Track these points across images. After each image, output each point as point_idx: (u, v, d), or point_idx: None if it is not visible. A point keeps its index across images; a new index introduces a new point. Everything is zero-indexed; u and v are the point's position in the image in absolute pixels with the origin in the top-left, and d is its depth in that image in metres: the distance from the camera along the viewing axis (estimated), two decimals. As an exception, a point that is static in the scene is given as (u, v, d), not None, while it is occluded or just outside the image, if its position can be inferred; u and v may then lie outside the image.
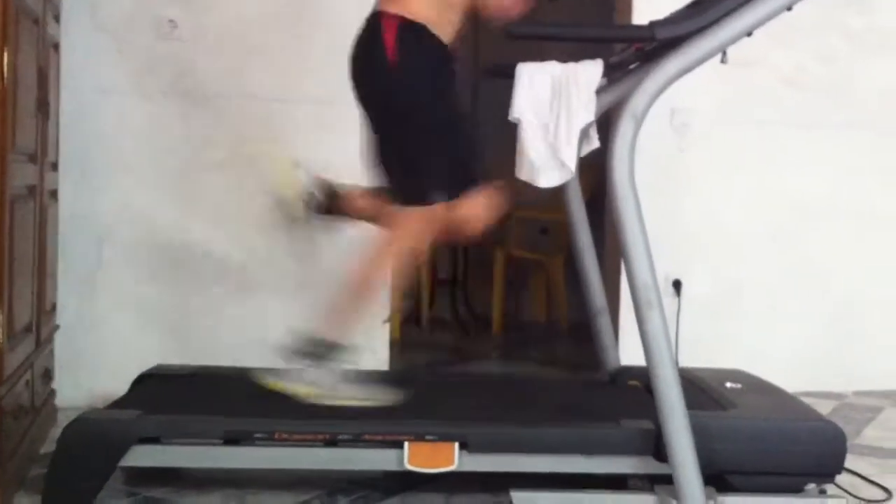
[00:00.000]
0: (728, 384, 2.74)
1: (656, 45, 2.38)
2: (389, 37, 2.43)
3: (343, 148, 3.41)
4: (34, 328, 2.73)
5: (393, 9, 2.46)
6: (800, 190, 3.82)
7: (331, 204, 2.64)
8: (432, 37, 2.46)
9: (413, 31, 2.44)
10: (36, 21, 2.70)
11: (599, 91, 2.62)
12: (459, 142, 2.55)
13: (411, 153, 2.51)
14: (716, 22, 2.29)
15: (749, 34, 2.33)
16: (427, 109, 2.49)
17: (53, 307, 3.10)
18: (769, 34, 2.35)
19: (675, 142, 3.76)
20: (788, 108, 3.81)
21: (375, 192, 2.62)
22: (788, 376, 3.06)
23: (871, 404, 3.65)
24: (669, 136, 3.75)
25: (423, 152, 2.50)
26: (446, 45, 2.50)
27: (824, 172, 3.84)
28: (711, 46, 2.31)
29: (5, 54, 2.32)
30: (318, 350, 2.44)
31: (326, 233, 2.69)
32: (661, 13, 2.48)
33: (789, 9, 2.33)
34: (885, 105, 3.87)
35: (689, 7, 2.47)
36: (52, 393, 3.10)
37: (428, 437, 2.35)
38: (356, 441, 2.38)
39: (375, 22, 2.48)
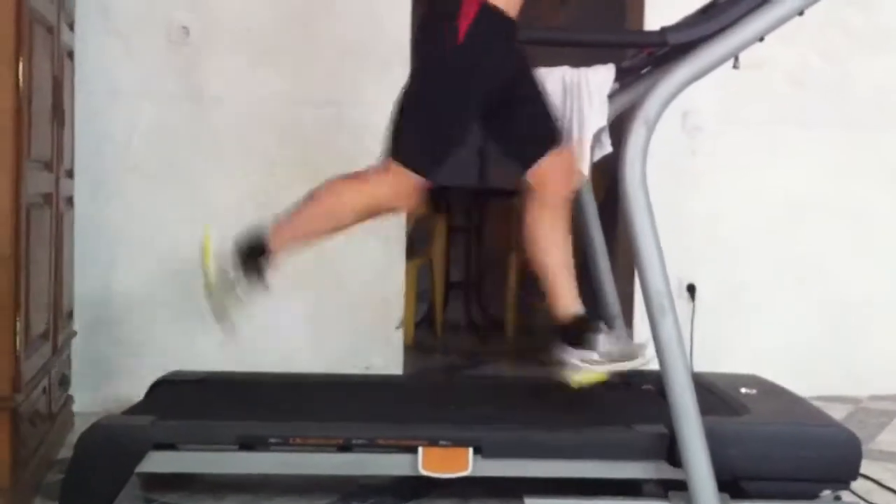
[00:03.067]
0: (742, 389, 2.73)
1: (669, 49, 2.38)
2: (467, 17, 2.34)
3: (353, 150, 3.43)
4: (51, 335, 2.74)
5: None
6: (811, 190, 3.81)
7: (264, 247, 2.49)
8: (506, 20, 2.39)
9: (491, 19, 2.36)
10: (50, 30, 2.72)
11: (611, 95, 2.63)
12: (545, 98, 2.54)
13: (513, 116, 2.49)
14: (728, 27, 2.29)
15: (761, 39, 2.33)
16: (510, 78, 2.46)
17: (70, 314, 3.12)
18: (776, 34, 2.34)
19: (687, 144, 3.75)
20: (798, 107, 3.80)
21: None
22: (802, 380, 3.06)
23: (886, 408, 3.63)
24: (682, 139, 3.74)
25: (523, 113, 2.50)
26: (514, 24, 2.42)
27: (837, 172, 3.82)
28: (724, 51, 2.31)
29: (21, 64, 2.33)
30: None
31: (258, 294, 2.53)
32: (672, 18, 2.47)
33: (801, 13, 2.33)
34: (890, 103, 3.84)
35: (700, 12, 2.47)
36: (69, 399, 3.12)
37: (442, 442, 2.35)
38: (370, 446, 2.38)
39: (445, 8, 2.40)
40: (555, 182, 2.49)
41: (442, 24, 2.39)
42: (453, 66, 2.38)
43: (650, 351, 2.38)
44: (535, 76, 2.54)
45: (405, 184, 2.43)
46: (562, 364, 2.48)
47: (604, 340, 2.48)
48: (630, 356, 2.47)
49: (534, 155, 2.48)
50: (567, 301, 2.51)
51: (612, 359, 2.46)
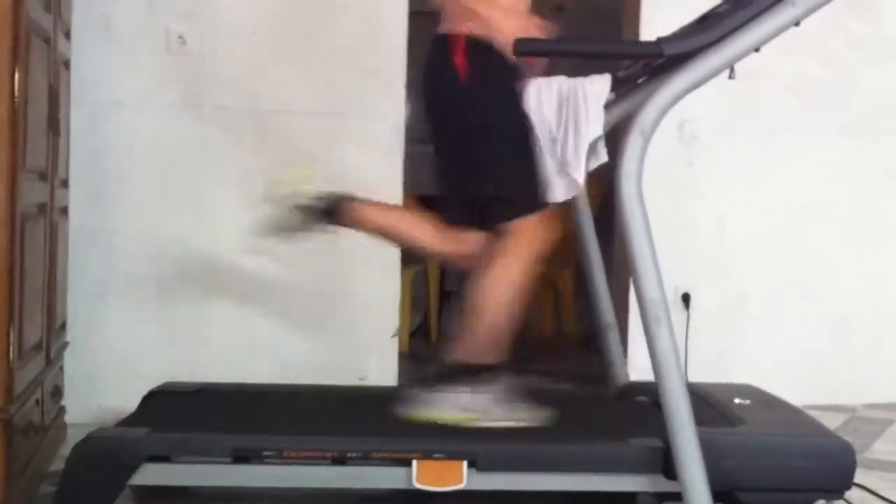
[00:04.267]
0: (737, 400, 2.72)
1: (664, 60, 2.38)
2: (459, 54, 2.46)
3: (352, 160, 3.43)
4: (44, 346, 2.73)
5: (458, 29, 2.50)
6: (808, 198, 3.82)
7: (336, 213, 2.62)
8: (500, 53, 2.48)
9: (481, 48, 2.47)
10: (47, 39, 2.72)
11: (607, 105, 2.63)
12: (533, 157, 2.57)
13: (492, 168, 2.55)
14: (724, 37, 2.29)
15: (757, 49, 2.33)
16: (505, 121, 2.53)
17: (63, 324, 3.11)
18: (774, 43, 2.35)
19: (683, 154, 3.76)
20: (795, 116, 3.81)
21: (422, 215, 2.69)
22: (797, 389, 3.06)
23: (880, 417, 3.64)
24: (678, 148, 3.75)
25: (504, 166, 2.55)
26: (513, 61, 2.50)
27: (832, 180, 3.83)
28: (720, 62, 2.31)
29: (17, 74, 2.33)
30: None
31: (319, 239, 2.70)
32: (668, 28, 2.48)
33: (797, 24, 2.33)
34: (890, 111, 3.86)
35: (696, 22, 2.47)
36: (62, 410, 3.11)
37: (436, 455, 2.34)
38: (364, 459, 2.37)
39: (443, 43, 2.51)
40: (530, 238, 2.55)
41: (443, 71, 2.50)
42: (474, 100, 2.49)
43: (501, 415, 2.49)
44: (527, 124, 2.57)
45: (545, 225, 2.55)
46: (425, 401, 2.52)
47: (474, 399, 2.51)
48: (491, 418, 2.50)
49: (515, 214, 2.53)
50: (486, 349, 2.55)
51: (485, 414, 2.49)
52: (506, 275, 2.54)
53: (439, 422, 2.48)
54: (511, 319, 2.57)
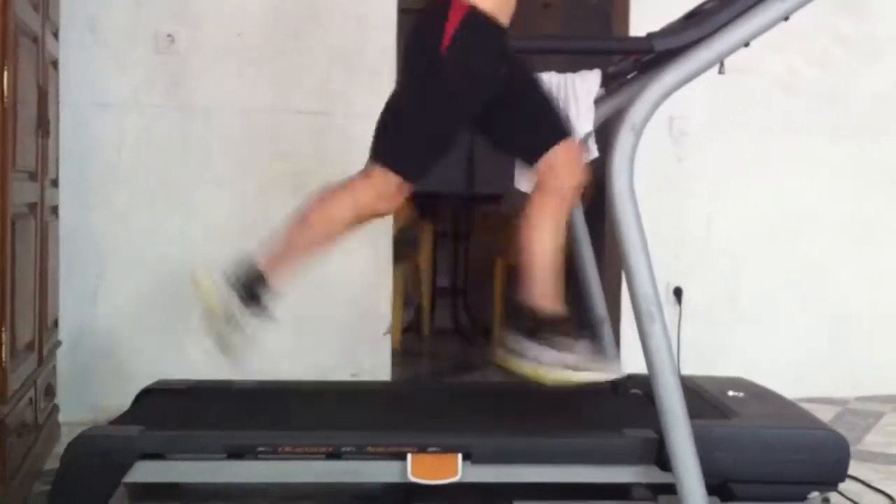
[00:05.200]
0: (730, 392, 2.74)
1: (654, 56, 2.39)
2: (453, 22, 2.32)
3: (342, 159, 3.42)
4: (36, 345, 2.73)
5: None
6: (797, 195, 3.83)
7: (261, 282, 2.43)
8: (494, 29, 2.37)
9: (478, 24, 2.34)
10: (35, 39, 2.71)
11: (598, 101, 2.63)
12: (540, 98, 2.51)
13: (519, 112, 2.47)
14: (714, 33, 2.30)
15: (746, 45, 2.34)
16: (510, 76, 2.43)
17: (55, 323, 3.10)
18: (764, 39, 2.36)
19: (673, 150, 3.77)
20: (784, 113, 3.83)
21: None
22: (790, 382, 3.07)
23: (872, 410, 3.65)
24: (668, 144, 3.76)
25: (528, 107, 2.48)
26: (505, 31, 2.40)
27: (821, 177, 3.85)
28: (709, 57, 2.31)
29: (5, 74, 2.32)
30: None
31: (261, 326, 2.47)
32: (658, 24, 2.49)
33: (786, 19, 2.34)
34: (879, 109, 3.87)
35: (686, 18, 2.48)
36: (55, 409, 3.10)
37: (431, 449, 2.35)
38: (359, 453, 2.37)
39: (446, 3, 2.36)
40: (563, 172, 2.45)
41: (431, 29, 2.38)
42: (441, 72, 2.37)
43: (621, 366, 2.45)
44: (533, 75, 2.52)
45: (389, 186, 2.43)
46: (519, 354, 2.42)
47: (579, 348, 2.42)
48: (600, 370, 2.42)
49: (542, 146, 2.44)
50: (549, 296, 2.46)
51: (582, 367, 2.39)
52: (550, 220, 2.46)
53: (546, 382, 2.38)
54: (559, 262, 2.48)
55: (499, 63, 2.44)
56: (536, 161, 2.46)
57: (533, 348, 2.42)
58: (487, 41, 2.39)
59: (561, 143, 2.45)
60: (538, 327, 2.44)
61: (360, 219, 2.49)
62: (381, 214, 2.56)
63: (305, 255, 2.50)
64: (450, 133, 2.46)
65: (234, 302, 2.39)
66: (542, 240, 2.46)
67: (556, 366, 2.38)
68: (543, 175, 2.46)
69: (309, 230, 2.48)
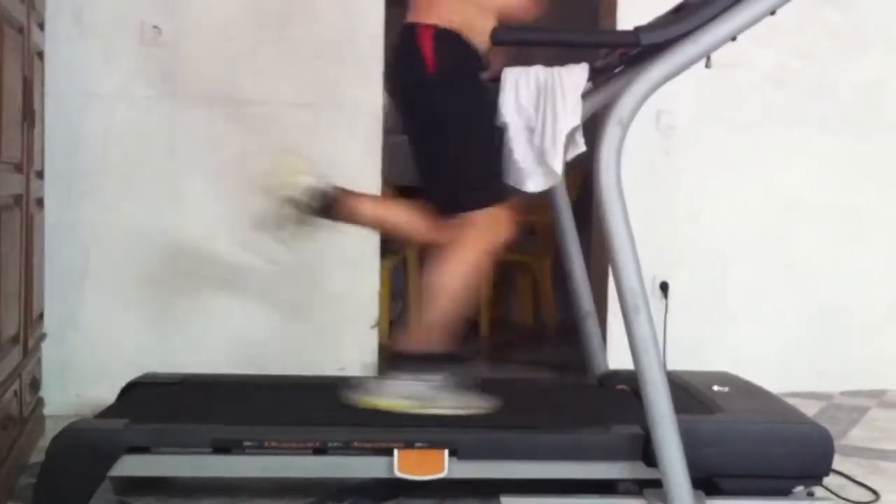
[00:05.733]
0: (715, 387, 2.75)
1: (642, 49, 2.39)
2: (426, 45, 2.47)
3: (330, 151, 3.42)
4: (21, 338, 2.71)
5: (426, 19, 2.50)
6: (784, 189, 3.84)
7: (328, 207, 2.61)
8: (467, 44, 2.50)
9: (449, 39, 2.48)
10: (20, 30, 2.69)
11: (585, 95, 2.63)
12: (494, 152, 2.58)
13: (455, 160, 2.55)
14: (701, 27, 2.31)
15: (734, 38, 2.35)
16: (467, 116, 2.54)
17: (40, 316, 3.09)
18: (751, 33, 2.36)
19: (660, 144, 3.77)
20: (772, 107, 3.83)
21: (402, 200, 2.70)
22: (775, 377, 3.08)
23: (857, 404, 3.67)
24: (655, 138, 3.76)
25: (467, 159, 2.56)
26: (479, 53, 2.53)
27: (808, 171, 3.85)
28: (696, 51, 2.32)
29: (-10, 65, 2.31)
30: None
31: (314, 236, 2.67)
32: (645, 18, 2.49)
33: (773, 13, 2.35)
34: (867, 102, 3.88)
35: (673, 12, 2.48)
36: (40, 402, 3.09)
37: (417, 445, 2.35)
38: (346, 449, 2.37)
39: (411, 33, 2.51)
40: (487, 232, 2.56)
41: (410, 63, 2.51)
42: (441, 94, 2.50)
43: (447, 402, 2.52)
44: (492, 115, 2.58)
45: (503, 219, 2.57)
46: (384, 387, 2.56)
47: (418, 386, 2.54)
48: (435, 406, 2.53)
49: (470, 205, 2.55)
50: (434, 338, 2.57)
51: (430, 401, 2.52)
52: (460, 264, 2.55)
53: (381, 409, 2.51)
54: (461, 309, 2.58)
55: (480, 73, 2.49)
56: (465, 212, 2.55)
57: (380, 384, 2.57)
58: (464, 52, 2.45)
59: (491, 208, 2.55)
60: (399, 362, 2.58)
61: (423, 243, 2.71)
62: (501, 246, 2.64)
63: (370, 222, 2.73)
64: (490, 132, 2.54)
65: (305, 200, 2.55)
66: (448, 288, 2.56)
67: (395, 397, 2.52)
68: (465, 226, 2.55)
69: (389, 213, 2.71)
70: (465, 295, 2.57)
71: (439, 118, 2.54)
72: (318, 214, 2.58)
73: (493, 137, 2.57)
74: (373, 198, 2.71)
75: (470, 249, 2.56)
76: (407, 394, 2.52)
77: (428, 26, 2.49)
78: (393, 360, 2.62)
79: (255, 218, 2.59)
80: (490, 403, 2.55)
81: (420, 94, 2.55)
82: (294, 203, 2.55)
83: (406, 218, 2.66)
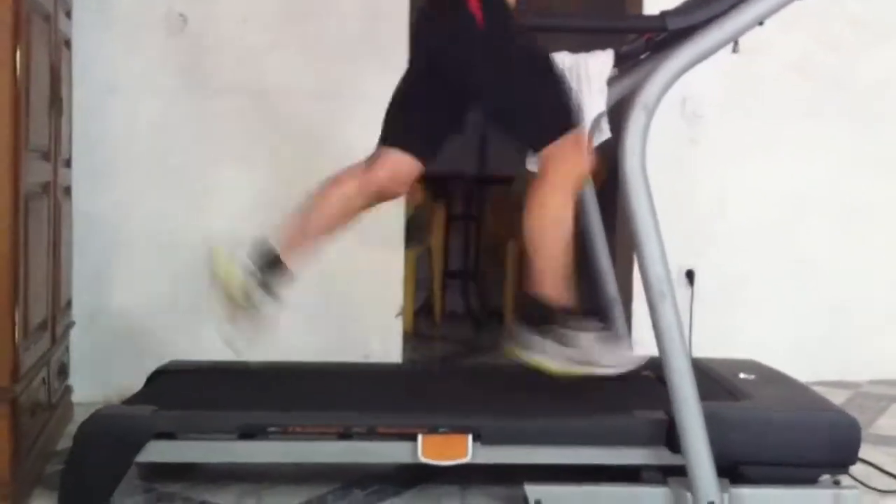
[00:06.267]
0: (741, 374, 2.73)
1: (668, 34, 2.38)
2: (474, 3, 2.35)
3: (356, 142, 3.42)
4: (49, 325, 2.74)
5: None
6: (809, 178, 3.81)
7: (277, 263, 2.48)
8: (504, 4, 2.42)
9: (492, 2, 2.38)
10: (47, 18, 2.71)
11: (610, 81, 2.62)
12: (559, 79, 2.47)
13: (532, 97, 2.41)
14: (728, 11, 2.28)
15: (761, 23, 2.32)
16: (530, 56, 2.42)
17: (69, 303, 3.12)
18: (775, 21, 2.34)
19: (686, 131, 3.75)
20: (796, 96, 3.80)
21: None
22: (801, 366, 3.06)
23: (885, 393, 3.64)
24: (681, 125, 3.74)
25: (544, 93, 2.42)
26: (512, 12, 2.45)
27: (832, 160, 3.82)
28: (723, 36, 2.30)
29: (18, 53, 2.32)
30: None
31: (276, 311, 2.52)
32: (671, 2, 2.46)
33: (800, -2, 2.33)
34: (891, 93, 3.84)
35: (700, -4, 2.46)
36: (68, 389, 3.12)
37: (441, 430, 2.35)
38: (370, 434, 2.38)
39: None
40: (568, 162, 2.41)
41: (455, 18, 2.38)
42: (491, 47, 2.36)
43: (634, 359, 2.43)
44: (549, 59, 2.47)
45: (401, 167, 2.46)
46: (525, 346, 2.41)
47: (586, 341, 2.41)
48: (606, 365, 2.42)
49: (549, 135, 2.40)
50: (557, 287, 2.43)
51: (587, 362, 2.40)
52: (553, 205, 2.41)
53: (552, 374, 2.39)
54: (568, 252, 2.45)
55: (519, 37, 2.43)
56: (541, 149, 2.42)
57: (538, 341, 2.41)
58: (501, 5, 2.39)
59: (568, 134, 2.41)
60: (545, 318, 2.43)
61: (373, 200, 2.51)
62: (393, 196, 2.57)
63: (319, 238, 2.53)
64: (464, 112, 2.48)
65: (252, 283, 2.42)
66: (547, 230, 2.42)
67: (561, 359, 2.39)
68: (546, 163, 2.42)
69: (322, 213, 2.52)
70: (568, 235, 2.43)
71: (503, 69, 2.39)
72: (274, 280, 2.45)
73: (556, 69, 2.45)
74: (307, 210, 2.51)
75: (556, 187, 2.41)
76: (572, 358, 2.38)
77: None
78: (542, 312, 2.44)
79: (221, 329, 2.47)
80: (642, 357, 2.47)
81: (469, 50, 2.39)
82: (246, 289, 2.42)
83: (364, 186, 2.50)
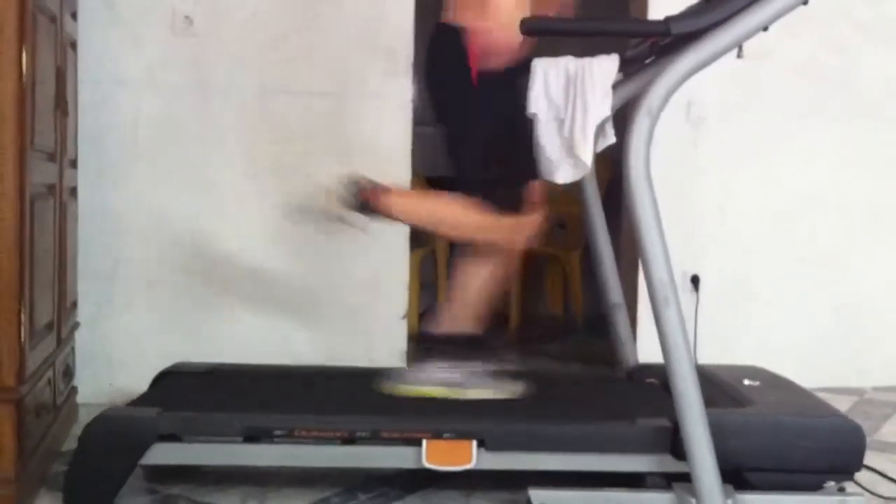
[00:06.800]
0: (745, 381, 2.73)
1: (672, 39, 2.37)
2: (474, 58, 2.51)
3: (361, 140, 3.43)
4: (55, 326, 2.75)
5: (473, 23, 2.54)
6: (814, 182, 3.80)
7: (374, 204, 2.62)
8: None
9: (489, 48, 2.54)
10: (53, 19, 2.71)
11: (615, 86, 2.62)
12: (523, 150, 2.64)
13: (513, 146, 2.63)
14: (732, 16, 2.28)
15: (765, 28, 2.32)
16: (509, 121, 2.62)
17: (74, 304, 3.12)
18: (780, 25, 2.34)
19: (690, 135, 3.74)
20: (801, 99, 3.79)
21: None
22: (806, 372, 3.06)
23: (890, 400, 3.63)
24: (686, 129, 3.73)
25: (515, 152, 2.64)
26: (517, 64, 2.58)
27: (837, 163, 3.81)
28: (728, 41, 2.29)
29: (24, 54, 2.33)
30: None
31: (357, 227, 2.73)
32: (676, 7, 2.46)
33: (805, 2, 2.32)
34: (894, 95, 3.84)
35: (704, 1, 2.46)
36: (73, 390, 3.12)
37: (445, 435, 2.35)
38: (374, 438, 2.38)
39: (459, 37, 2.55)
40: (504, 239, 2.68)
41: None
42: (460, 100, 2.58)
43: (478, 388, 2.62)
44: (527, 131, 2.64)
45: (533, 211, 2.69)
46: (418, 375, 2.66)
47: (451, 373, 2.63)
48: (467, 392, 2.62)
49: (496, 207, 2.61)
50: (464, 317, 2.68)
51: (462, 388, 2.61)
52: (479, 273, 2.67)
53: (414, 396, 2.58)
54: (488, 294, 2.68)
55: (519, 85, 2.58)
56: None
57: (420, 371, 2.66)
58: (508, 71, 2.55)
59: (508, 215, 2.63)
60: (445, 349, 2.67)
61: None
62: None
63: (427, 221, 2.77)
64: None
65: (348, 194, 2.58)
66: (477, 270, 2.67)
67: (441, 385, 2.61)
68: (498, 227, 2.63)
69: (444, 215, 2.71)
70: (493, 283, 2.64)
71: (485, 116, 2.61)
72: (362, 211, 2.59)
73: (527, 136, 2.63)
74: (422, 195, 2.76)
75: (488, 260, 2.66)
76: (440, 381, 2.57)
77: (477, 33, 2.53)
78: (422, 343, 2.66)
79: (293, 208, 2.64)
80: (521, 389, 2.58)
81: (461, 102, 2.61)
82: (339, 200, 2.58)
83: (461, 215, 2.65)
